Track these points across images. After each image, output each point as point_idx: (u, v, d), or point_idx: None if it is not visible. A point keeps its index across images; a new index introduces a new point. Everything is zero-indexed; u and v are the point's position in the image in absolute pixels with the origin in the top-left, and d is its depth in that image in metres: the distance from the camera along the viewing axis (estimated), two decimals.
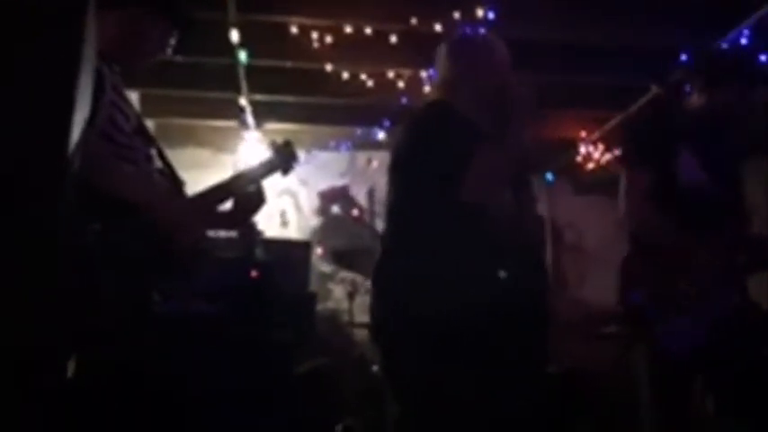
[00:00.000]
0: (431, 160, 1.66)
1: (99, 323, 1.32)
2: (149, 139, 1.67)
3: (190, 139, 4.98)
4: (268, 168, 1.92)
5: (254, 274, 2.89)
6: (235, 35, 3.31)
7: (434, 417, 1.63)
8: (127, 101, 1.63)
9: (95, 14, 0.97)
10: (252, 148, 4.81)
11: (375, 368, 3.72)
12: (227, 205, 1.81)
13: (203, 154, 5.02)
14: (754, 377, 1.94)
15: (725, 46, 3.33)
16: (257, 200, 1.79)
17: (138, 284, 1.42)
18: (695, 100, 2.18)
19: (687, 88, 2.23)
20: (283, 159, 1.96)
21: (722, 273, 1.97)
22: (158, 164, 1.67)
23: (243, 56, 3.53)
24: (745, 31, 3.23)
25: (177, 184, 1.67)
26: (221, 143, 5.06)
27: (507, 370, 1.67)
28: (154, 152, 1.67)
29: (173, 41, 1.70)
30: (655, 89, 3.86)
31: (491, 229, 1.69)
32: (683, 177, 2.04)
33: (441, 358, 1.61)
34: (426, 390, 1.64)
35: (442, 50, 1.91)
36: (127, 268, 1.38)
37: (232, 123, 4.58)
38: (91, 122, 1.32)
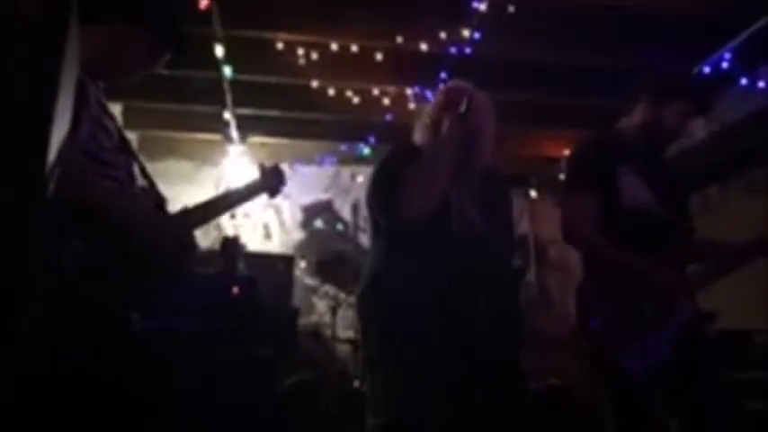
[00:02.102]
0: (381, 189, 1.82)
1: (76, 341, 1.30)
2: (131, 155, 1.65)
3: (173, 151, 4.95)
4: (254, 190, 1.91)
5: (235, 290, 2.87)
6: (219, 50, 3.31)
7: None
8: (110, 116, 1.61)
9: (80, 29, 0.97)
10: (236, 161, 4.80)
11: (357, 383, 3.70)
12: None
13: (187, 167, 5.00)
14: (712, 393, 1.95)
15: (707, 69, 3.39)
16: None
17: (118, 302, 1.40)
18: (635, 118, 2.18)
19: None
20: (270, 182, 1.96)
21: (675, 289, 1.98)
22: (140, 180, 1.65)
23: (228, 71, 3.53)
24: (726, 55, 3.29)
25: (159, 200, 1.65)
26: (205, 156, 5.04)
27: (477, 390, 1.69)
28: (136, 168, 1.65)
29: (163, 59, 1.68)
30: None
31: (455, 248, 1.75)
32: (627, 198, 2.04)
33: (407, 377, 1.68)
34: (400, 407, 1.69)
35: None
36: (106, 286, 1.36)
37: (216, 137, 4.57)
38: (72, 137, 1.31)
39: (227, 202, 1.85)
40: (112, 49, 1.56)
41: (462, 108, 1.77)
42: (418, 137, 1.96)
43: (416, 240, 1.74)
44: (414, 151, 1.86)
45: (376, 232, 1.90)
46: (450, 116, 1.80)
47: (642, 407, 1.98)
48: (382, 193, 1.81)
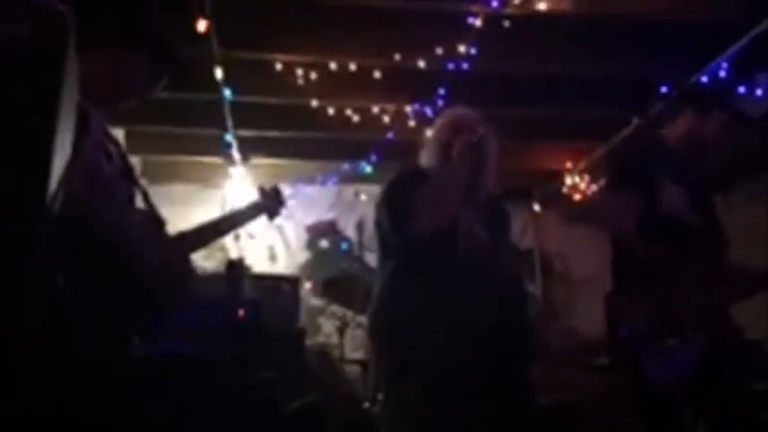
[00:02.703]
0: (392, 209, 1.88)
1: (72, 373, 1.28)
2: (133, 181, 1.66)
3: (175, 175, 4.97)
4: (254, 212, 1.91)
5: (240, 313, 2.85)
6: (219, 72, 3.33)
7: None
8: (113, 140, 1.61)
9: (79, 54, 0.97)
10: (238, 183, 4.81)
11: (366, 404, 3.66)
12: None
13: (189, 190, 5.01)
14: (740, 406, 1.94)
15: (704, 79, 3.40)
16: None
17: (114, 329, 1.39)
18: (678, 128, 2.20)
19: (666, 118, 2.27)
20: (270, 204, 1.96)
21: (707, 302, 1.98)
22: (140, 205, 1.65)
23: (228, 93, 3.55)
24: (723, 64, 3.29)
25: (159, 224, 1.65)
26: (207, 179, 5.06)
27: (488, 405, 1.69)
28: (137, 193, 1.65)
29: (162, 82, 1.69)
30: (636, 121, 3.92)
31: (459, 265, 1.78)
32: (666, 206, 2.05)
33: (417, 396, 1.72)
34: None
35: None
36: (102, 314, 1.35)
37: (218, 159, 4.58)
38: (73, 162, 1.31)
39: (225, 225, 1.84)
40: (112, 73, 1.57)
41: (477, 136, 1.84)
42: (426, 159, 2.01)
43: (425, 260, 1.79)
44: (421, 174, 1.93)
45: (384, 253, 1.92)
46: (461, 141, 1.86)
47: (668, 414, 1.96)
48: (393, 213, 1.87)
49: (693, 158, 2.18)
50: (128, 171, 1.64)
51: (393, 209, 1.87)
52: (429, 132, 2.06)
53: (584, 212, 4.73)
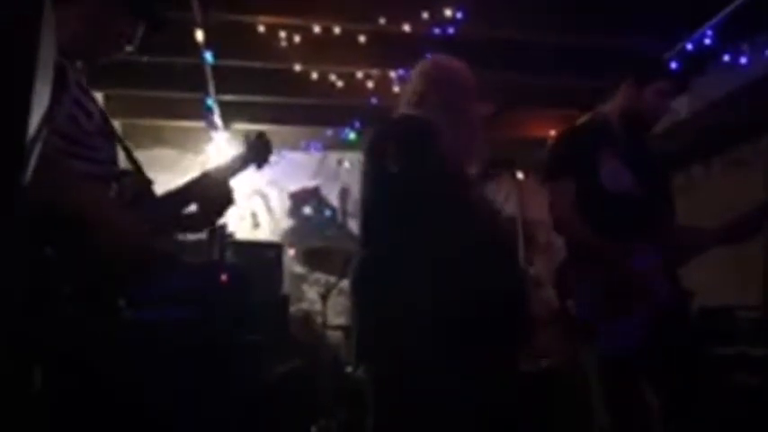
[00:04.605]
0: (421, 172, 1.75)
1: (58, 342, 1.28)
2: (115, 138, 1.62)
3: (156, 139, 4.89)
4: (241, 163, 1.81)
5: (224, 278, 2.85)
6: (200, 35, 3.26)
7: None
8: (92, 98, 1.58)
9: (54, 10, 0.94)
10: (220, 148, 4.76)
11: (349, 369, 3.71)
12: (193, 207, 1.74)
13: (170, 155, 4.94)
14: (691, 371, 1.99)
15: (689, 46, 3.40)
16: (224, 201, 1.72)
17: (99, 298, 1.37)
18: (619, 101, 2.22)
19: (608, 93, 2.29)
20: (257, 152, 1.86)
21: (652, 270, 2.01)
22: (123, 165, 1.62)
23: (209, 56, 3.48)
24: (709, 32, 3.29)
25: (144, 183, 1.61)
26: (188, 144, 4.99)
27: (487, 367, 1.70)
28: (119, 151, 1.62)
29: (137, 36, 1.64)
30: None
31: (478, 228, 1.76)
32: (607, 182, 2.08)
33: (422, 356, 1.65)
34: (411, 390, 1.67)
35: (416, 69, 2.02)
36: (84, 284, 1.33)
37: (199, 124, 4.52)
38: (49, 121, 1.28)
39: (214, 178, 1.73)
40: (88, 28, 1.53)
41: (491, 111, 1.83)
42: (425, 112, 1.90)
43: (425, 216, 1.72)
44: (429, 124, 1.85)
45: (381, 203, 1.85)
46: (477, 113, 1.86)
47: (625, 382, 2.01)
48: (418, 150, 1.78)
49: (635, 130, 2.19)
50: (109, 131, 1.61)
51: (418, 147, 1.76)
52: (424, 79, 1.95)
53: None
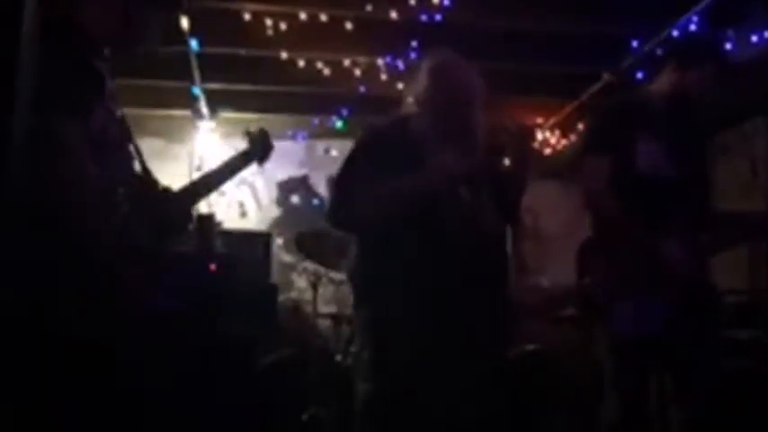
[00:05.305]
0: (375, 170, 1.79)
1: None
2: (131, 142, 1.62)
3: (142, 129, 4.81)
4: (244, 161, 1.85)
5: (212, 267, 2.84)
6: (185, 22, 3.22)
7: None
8: (117, 102, 1.57)
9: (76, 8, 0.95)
10: (206, 137, 4.72)
11: (338, 357, 3.71)
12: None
13: (156, 144, 4.88)
14: (708, 359, 2.00)
15: (675, 33, 3.40)
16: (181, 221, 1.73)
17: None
18: (663, 83, 2.17)
19: (640, 74, 2.24)
20: (260, 149, 1.89)
21: (684, 255, 2.00)
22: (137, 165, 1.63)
23: (194, 44, 3.44)
24: (694, 18, 3.30)
25: (152, 185, 1.62)
26: (175, 133, 4.94)
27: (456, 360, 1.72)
28: (134, 156, 1.62)
29: (163, 25, 1.64)
30: (606, 76, 3.93)
31: (440, 228, 1.77)
32: (642, 164, 2.06)
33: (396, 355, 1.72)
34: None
35: (424, 63, 2.01)
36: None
37: (186, 113, 4.47)
38: (81, 122, 1.29)
39: (217, 178, 1.77)
40: (118, 20, 1.53)
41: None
42: (419, 121, 1.93)
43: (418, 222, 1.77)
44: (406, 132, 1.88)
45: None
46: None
47: (636, 364, 2.01)
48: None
49: (678, 113, 2.15)
50: (126, 133, 1.61)
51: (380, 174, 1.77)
52: (430, 78, 1.93)
53: (558, 167, 4.75)
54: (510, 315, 1.99)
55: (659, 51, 3.40)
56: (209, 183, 1.79)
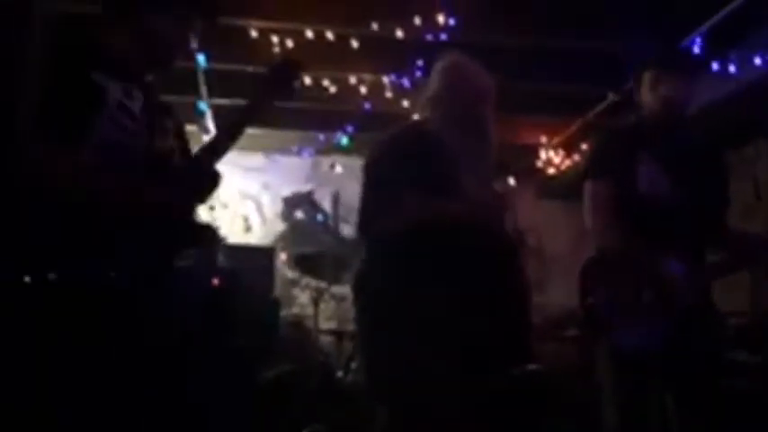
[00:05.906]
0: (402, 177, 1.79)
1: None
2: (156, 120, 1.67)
3: None
4: (263, 94, 1.70)
5: (215, 281, 2.85)
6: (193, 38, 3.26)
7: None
8: (134, 96, 1.57)
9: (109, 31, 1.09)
10: None
11: (340, 373, 3.70)
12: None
13: None
14: (709, 378, 1.99)
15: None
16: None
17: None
18: (650, 102, 2.16)
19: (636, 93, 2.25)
20: (282, 79, 1.74)
21: (687, 276, 2.00)
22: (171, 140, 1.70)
23: (201, 60, 3.49)
24: (697, 40, 3.32)
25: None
26: None
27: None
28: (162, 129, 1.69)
29: (194, 29, 1.66)
30: (611, 96, 3.95)
31: (468, 241, 1.80)
32: (644, 186, 2.06)
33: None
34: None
35: (436, 67, 2.04)
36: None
37: (191, 128, 4.51)
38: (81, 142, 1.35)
39: (246, 116, 1.70)
40: (147, 41, 1.57)
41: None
42: (438, 126, 1.95)
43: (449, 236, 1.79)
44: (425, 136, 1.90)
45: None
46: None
47: (637, 385, 2.00)
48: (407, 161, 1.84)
49: (673, 130, 2.15)
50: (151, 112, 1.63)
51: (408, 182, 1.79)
52: (442, 81, 1.97)
53: (559, 187, 4.76)
54: (528, 330, 1.99)
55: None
56: (231, 127, 1.70)
